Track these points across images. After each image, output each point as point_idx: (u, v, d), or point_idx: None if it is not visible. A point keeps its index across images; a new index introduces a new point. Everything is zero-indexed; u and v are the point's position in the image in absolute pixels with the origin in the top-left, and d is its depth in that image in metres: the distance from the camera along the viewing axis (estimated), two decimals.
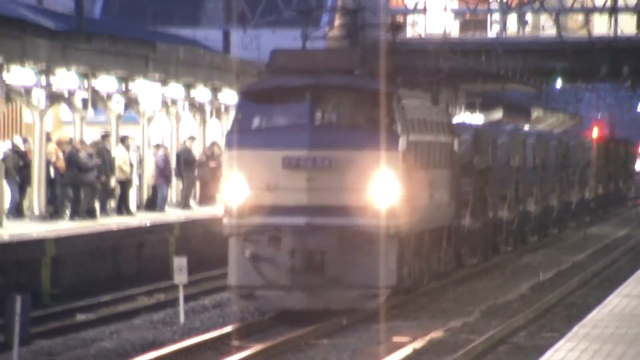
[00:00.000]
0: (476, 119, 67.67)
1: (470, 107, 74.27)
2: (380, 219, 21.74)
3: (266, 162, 21.99)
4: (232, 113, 24.90)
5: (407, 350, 21.97)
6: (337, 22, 51.19)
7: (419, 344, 22.38)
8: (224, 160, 23.54)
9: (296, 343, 21.51)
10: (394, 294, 23.88)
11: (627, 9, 56.57)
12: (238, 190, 21.90)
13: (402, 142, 22.76)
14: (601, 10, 57.26)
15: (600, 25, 58.77)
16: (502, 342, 23.71)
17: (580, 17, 61.42)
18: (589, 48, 59.60)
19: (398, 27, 28.03)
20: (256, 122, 23.04)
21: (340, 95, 23.51)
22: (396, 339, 23.37)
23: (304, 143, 21.81)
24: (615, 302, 22.67)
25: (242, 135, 22.55)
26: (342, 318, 23.42)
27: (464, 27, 65.54)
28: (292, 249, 21.68)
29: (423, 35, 62.44)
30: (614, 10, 56.23)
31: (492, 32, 64.15)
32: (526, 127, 75.35)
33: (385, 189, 21.86)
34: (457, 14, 63.52)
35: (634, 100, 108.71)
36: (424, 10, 59.58)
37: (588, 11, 59.46)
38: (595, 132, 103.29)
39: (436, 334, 24.14)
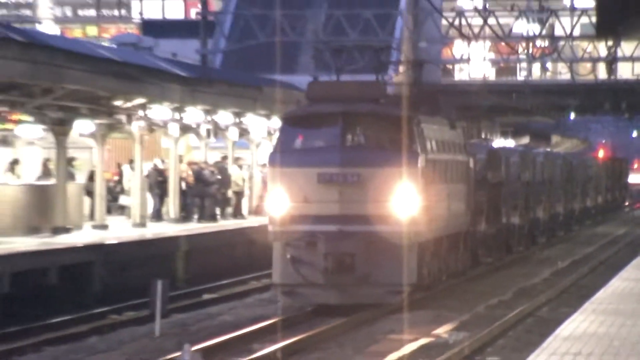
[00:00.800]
0: (509, 143, 68.05)
1: (504, 134, 74.79)
2: (402, 226, 20.65)
3: (304, 178, 20.91)
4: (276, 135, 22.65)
5: (455, 322, 21.87)
6: (401, 69, 51.30)
7: (465, 317, 22.48)
8: (268, 176, 22.77)
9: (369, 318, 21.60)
10: (415, 291, 22.75)
11: (624, 58, 57.46)
12: (280, 202, 20.91)
13: (420, 160, 21.64)
14: (604, 59, 58.26)
15: (604, 71, 59.56)
16: (529, 315, 24.08)
17: (588, 65, 61.93)
18: (595, 88, 59.99)
19: (421, 65, 25.85)
20: (295, 143, 21.98)
21: (366, 120, 22.12)
22: (445, 313, 23.26)
23: (335, 161, 20.78)
24: (617, 284, 22.71)
25: (283, 155, 21.57)
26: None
27: (498, 72, 66.57)
28: (326, 253, 20.61)
29: (468, 79, 64.34)
30: (614, 60, 57.12)
31: (521, 76, 64.65)
32: (545, 149, 72.78)
33: (406, 200, 20.80)
34: (493, 62, 64.37)
35: (631, 128, 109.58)
36: (468, 60, 60.14)
37: (594, 60, 60.15)
38: (601, 153, 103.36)
39: (478, 310, 24.30)
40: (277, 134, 22.85)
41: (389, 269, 20.78)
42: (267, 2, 55.09)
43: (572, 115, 77.74)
